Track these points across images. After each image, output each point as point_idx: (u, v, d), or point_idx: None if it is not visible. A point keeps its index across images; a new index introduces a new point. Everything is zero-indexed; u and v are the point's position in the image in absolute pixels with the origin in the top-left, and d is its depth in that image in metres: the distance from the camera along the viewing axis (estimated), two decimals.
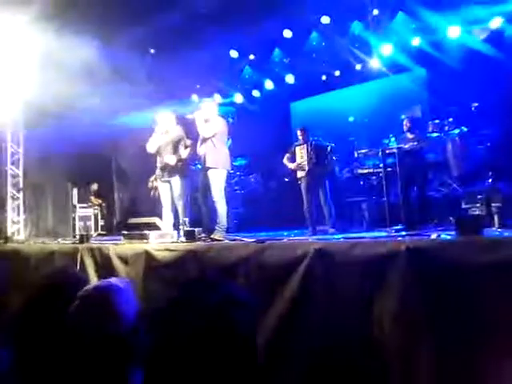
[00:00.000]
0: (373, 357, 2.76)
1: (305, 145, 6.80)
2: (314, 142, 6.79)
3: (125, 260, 4.87)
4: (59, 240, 7.28)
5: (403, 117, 6.83)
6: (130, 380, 1.30)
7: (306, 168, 6.67)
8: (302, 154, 6.81)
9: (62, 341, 1.32)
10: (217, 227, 5.70)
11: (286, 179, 8.79)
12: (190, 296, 1.09)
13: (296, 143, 6.99)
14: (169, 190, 6.35)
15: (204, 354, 0.98)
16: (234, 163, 8.91)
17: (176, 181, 6.31)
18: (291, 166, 6.90)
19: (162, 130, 6.41)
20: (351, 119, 9.49)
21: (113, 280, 1.44)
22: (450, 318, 2.60)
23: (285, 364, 3.13)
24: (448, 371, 2.54)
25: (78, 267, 5.16)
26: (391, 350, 2.75)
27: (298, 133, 6.98)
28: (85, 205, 9.98)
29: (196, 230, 5.38)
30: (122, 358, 1.27)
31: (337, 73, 9.69)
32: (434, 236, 3.58)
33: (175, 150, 6.37)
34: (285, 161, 7.04)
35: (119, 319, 1.31)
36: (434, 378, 2.56)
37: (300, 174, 6.79)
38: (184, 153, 6.38)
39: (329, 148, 6.90)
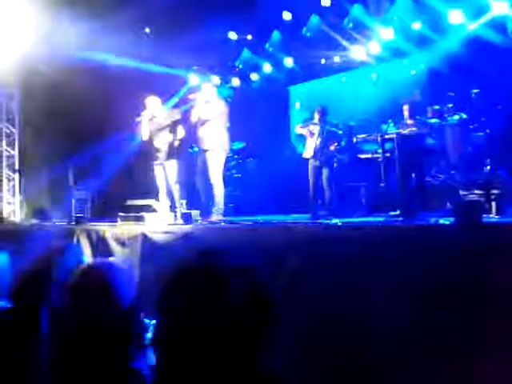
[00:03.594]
0: None
1: (318, 127, 6.65)
2: (327, 129, 6.68)
3: (121, 242, 4.86)
4: (55, 221, 7.25)
5: (403, 102, 6.77)
6: (130, 361, 1.28)
7: (314, 150, 6.56)
8: (313, 134, 6.66)
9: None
10: (214, 210, 5.70)
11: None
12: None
13: (312, 121, 6.84)
14: (164, 174, 6.31)
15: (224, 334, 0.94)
16: (232, 147, 8.85)
17: (170, 164, 6.28)
18: (301, 131, 6.82)
19: (149, 116, 6.33)
20: (350, 104, 9.41)
21: (111, 260, 1.42)
22: None
23: None
24: None
25: None
26: None
27: (316, 113, 6.82)
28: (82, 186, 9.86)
29: (193, 212, 5.36)
30: (119, 338, 1.26)
31: (336, 57, 9.57)
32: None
33: (167, 133, 6.32)
34: (297, 129, 6.99)
35: (116, 299, 1.30)
36: None
37: (307, 154, 6.67)
38: (177, 136, 6.33)
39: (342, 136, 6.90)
